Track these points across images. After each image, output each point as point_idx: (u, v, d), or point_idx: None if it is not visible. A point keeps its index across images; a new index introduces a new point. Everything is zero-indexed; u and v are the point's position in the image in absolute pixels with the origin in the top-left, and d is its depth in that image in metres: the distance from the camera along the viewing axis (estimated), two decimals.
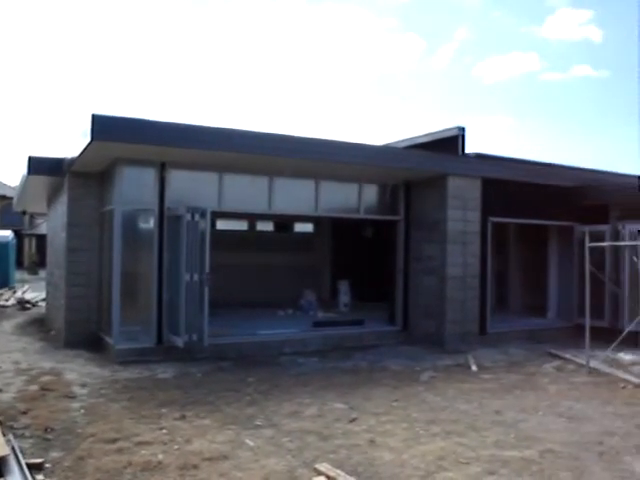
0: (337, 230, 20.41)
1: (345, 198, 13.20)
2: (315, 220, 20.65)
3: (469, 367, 10.50)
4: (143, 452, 5.92)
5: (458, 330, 12.48)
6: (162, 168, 10.92)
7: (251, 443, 6.28)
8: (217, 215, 17.69)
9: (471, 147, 13.40)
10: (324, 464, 5.59)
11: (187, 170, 11.35)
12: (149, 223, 10.96)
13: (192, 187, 11.54)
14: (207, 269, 10.55)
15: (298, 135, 11.20)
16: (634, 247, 12.47)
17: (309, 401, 8.00)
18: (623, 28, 48.92)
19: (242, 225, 20.11)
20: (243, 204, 12.21)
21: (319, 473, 5.41)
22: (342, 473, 5.35)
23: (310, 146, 11.19)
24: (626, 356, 11.00)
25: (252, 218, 19.89)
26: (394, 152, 13.31)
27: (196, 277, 10.46)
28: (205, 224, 10.61)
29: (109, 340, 10.82)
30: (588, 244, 10.80)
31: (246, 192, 12.02)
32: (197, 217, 10.48)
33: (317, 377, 9.52)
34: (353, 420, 7.18)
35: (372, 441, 6.42)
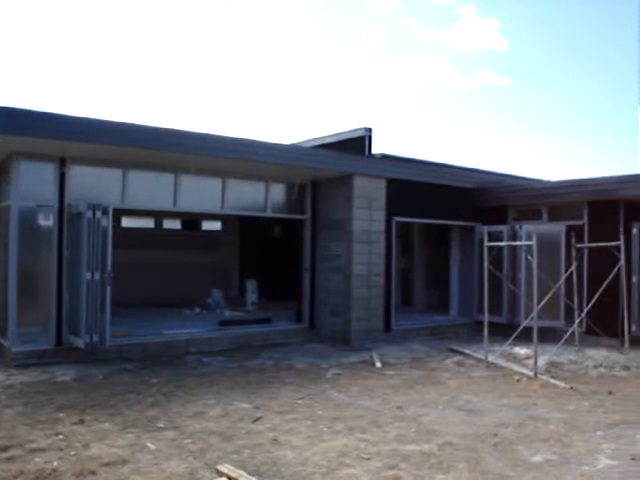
0: (246, 229, 20.32)
1: (252, 197, 13.14)
2: (223, 218, 20.46)
3: (374, 364, 10.69)
4: (37, 460, 5.69)
5: (364, 327, 12.69)
6: (62, 163, 10.50)
7: (152, 446, 6.16)
8: (122, 212, 17.29)
9: (379, 148, 13.71)
10: (226, 465, 5.55)
11: (89, 166, 10.96)
12: (49, 220, 10.52)
13: (95, 183, 11.15)
14: (109, 268, 10.26)
15: (203, 132, 11.04)
16: (530, 246, 13.04)
17: (214, 401, 7.92)
18: (526, 38, 50.92)
19: (148, 223, 19.67)
20: (148, 201, 11.95)
21: (221, 474, 5.37)
22: (244, 473, 5.33)
23: (217, 143, 11.06)
24: (521, 350, 11.48)
25: (159, 216, 19.49)
26: (301, 151, 13.37)
27: (97, 276, 10.15)
28: (107, 221, 10.32)
29: (5, 342, 10.33)
30: (486, 243, 11.24)
31: (151, 189, 11.75)
32: (99, 214, 10.17)
33: (222, 377, 9.44)
34: (257, 419, 7.16)
35: (276, 440, 6.42)
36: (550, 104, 52.20)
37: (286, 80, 55.42)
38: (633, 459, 6.06)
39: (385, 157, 14.37)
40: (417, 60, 53.81)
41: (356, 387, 8.94)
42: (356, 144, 13.63)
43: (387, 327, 13.16)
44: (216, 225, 21.23)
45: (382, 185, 13.05)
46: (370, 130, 13.67)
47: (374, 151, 13.96)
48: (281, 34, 53.01)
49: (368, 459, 5.88)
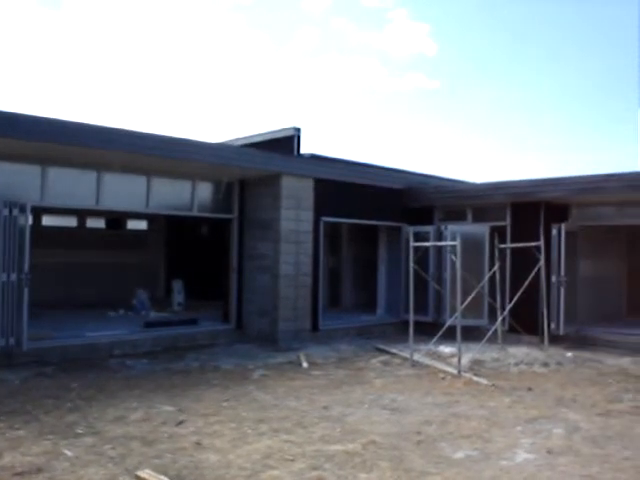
0: (173, 228, 19.98)
1: (178, 195, 12.90)
2: (149, 217, 20.05)
3: (300, 364, 10.67)
4: None
5: (291, 327, 12.66)
6: None
7: (70, 453, 5.94)
8: (43, 211, 16.71)
9: (309, 148, 13.71)
10: (146, 470, 5.40)
11: (6, 162, 10.52)
12: None
13: (12, 180, 10.69)
14: (27, 268, 9.87)
15: (126, 128, 10.75)
16: (454, 247, 13.30)
17: (136, 405, 7.72)
18: (455, 43, 52.03)
19: (71, 221, 19.06)
20: (69, 199, 11.55)
21: None
22: (165, 478, 5.20)
23: (140, 140, 10.79)
24: (446, 349, 11.69)
25: (82, 214, 18.92)
26: (228, 150, 13.22)
27: (14, 276, 9.76)
28: (25, 220, 9.92)
29: None
30: (412, 244, 11.39)
31: (72, 186, 11.37)
32: (16, 212, 9.78)
33: (146, 380, 9.22)
34: (180, 423, 7.02)
35: (199, 443, 6.31)
36: (478, 107, 53.53)
37: (215, 79, 54.91)
38: (549, 452, 6.25)
39: (314, 157, 14.38)
40: (349, 61, 54.25)
41: (282, 388, 8.89)
42: (285, 144, 13.58)
43: (315, 327, 13.17)
44: (142, 224, 20.78)
45: (310, 185, 13.05)
46: (299, 130, 13.65)
47: (303, 151, 13.96)
48: (209, 32, 52.46)
49: (292, 460, 5.85)
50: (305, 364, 10.63)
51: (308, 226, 13.01)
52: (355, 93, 55.53)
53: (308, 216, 13.00)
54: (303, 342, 12.50)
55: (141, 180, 12.09)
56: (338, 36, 52.41)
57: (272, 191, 12.72)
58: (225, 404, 7.91)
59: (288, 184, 12.65)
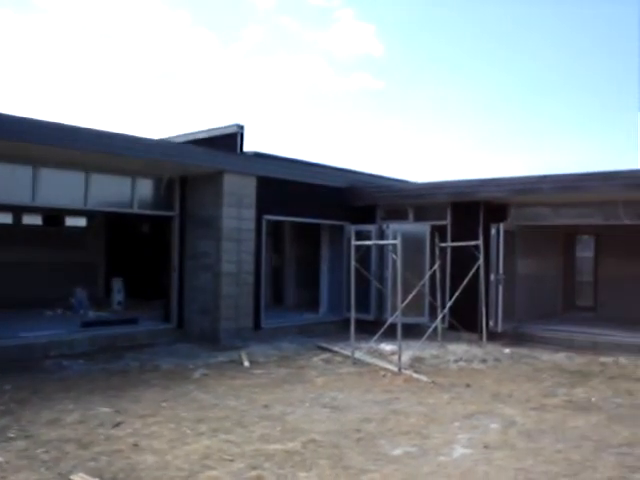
0: (113, 225, 19.55)
1: (118, 192, 12.63)
2: (89, 214, 19.57)
3: (242, 363, 10.60)
4: None
5: (233, 326, 12.57)
6: None
7: (0, 458, 5.75)
8: None
9: (254, 146, 13.62)
10: (80, 474, 5.28)
11: None
12: None
13: None
14: None
15: (60, 122, 10.44)
16: (395, 245, 13.44)
17: (72, 407, 7.54)
18: (401, 44, 52.50)
19: (5, 218, 18.43)
20: (3, 195, 11.14)
21: None
22: None
23: (74, 134, 10.50)
24: (387, 346, 11.78)
25: (18, 211, 18.33)
26: (167, 146, 13.00)
27: None
28: None
29: None
30: (354, 242, 11.46)
31: (6, 182, 10.99)
32: None
33: (83, 381, 9.01)
34: (118, 424, 6.88)
35: (136, 445, 6.19)
36: (422, 107, 54.22)
37: (160, 76, 54.10)
38: (485, 447, 6.37)
39: (257, 155, 14.30)
40: (295, 60, 54.21)
41: (223, 387, 8.82)
42: (228, 141, 13.43)
43: (257, 325, 13.11)
44: (81, 221, 20.25)
45: (253, 183, 12.97)
46: (242, 127, 13.53)
47: (247, 149, 13.84)
48: (152, 28, 51.63)
49: (231, 460, 5.80)
50: (246, 363, 10.57)
51: (250, 224, 12.93)
52: (301, 92, 55.61)
53: (250, 214, 12.92)
54: (245, 341, 12.42)
55: (79, 176, 11.79)
56: (284, 35, 52.37)
57: (214, 188, 12.58)
58: (164, 404, 7.79)
59: (230, 181, 12.54)
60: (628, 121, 49.76)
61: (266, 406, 7.82)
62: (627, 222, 12.77)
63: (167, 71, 53.75)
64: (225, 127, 13.61)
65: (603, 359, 11.45)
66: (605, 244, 17.12)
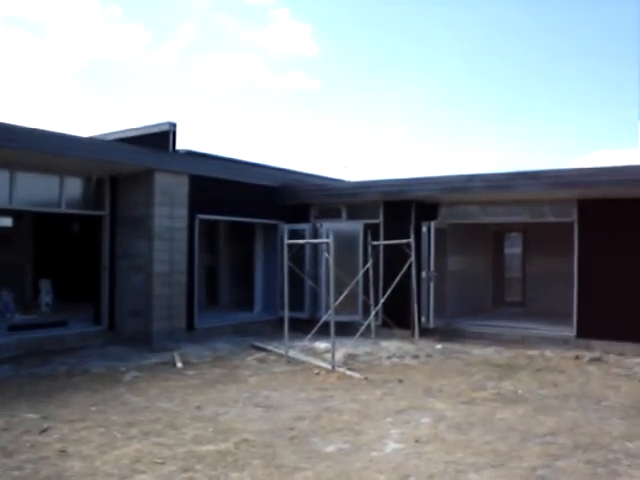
0: (41, 225, 18.93)
1: (45, 191, 12.23)
2: (15, 214, 18.90)
3: (175, 364, 10.45)
4: None
5: (166, 327, 12.39)
6: None
7: None
8: None
9: (187, 144, 13.45)
10: None
11: None
12: None
13: None
14: None
15: None
16: (328, 244, 13.52)
17: None
18: (336, 44, 52.69)
19: None
20: None
21: None
22: None
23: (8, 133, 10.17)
24: (321, 345, 11.83)
25: None
26: (97, 144, 12.66)
27: None
28: None
29: None
30: (286, 241, 11.47)
31: None
32: None
33: (8, 386, 8.70)
34: (44, 431, 6.68)
35: (63, 451, 6.02)
36: (357, 108, 54.62)
37: (93, 73, 52.74)
38: (417, 441, 6.48)
39: (190, 153, 14.13)
40: (231, 58, 53.74)
41: (155, 389, 8.67)
42: (160, 139, 13.19)
43: (190, 326, 12.96)
44: (6, 221, 19.52)
45: (185, 182, 12.80)
46: (175, 125, 13.31)
47: (180, 147, 13.65)
48: (85, 25, 50.30)
49: (163, 463, 5.72)
50: (179, 364, 10.44)
51: (183, 223, 12.76)
52: (236, 91, 55.15)
53: (183, 213, 12.75)
54: (178, 342, 12.25)
55: (3, 174, 11.38)
56: (220, 33, 51.84)
57: (145, 188, 12.35)
58: (93, 409, 7.61)
59: (162, 180, 12.34)
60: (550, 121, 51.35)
61: (199, 407, 7.74)
62: (552, 220, 13.23)
63: (98, 69, 52.49)
64: (157, 125, 13.37)
65: (530, 352, 11.83)
66: (532, 241, 17.73)
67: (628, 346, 11.67)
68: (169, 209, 12.45)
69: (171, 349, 11.65)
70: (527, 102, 52.91)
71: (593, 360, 11.05)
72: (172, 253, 12.50)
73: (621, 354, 11.50)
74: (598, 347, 11.92)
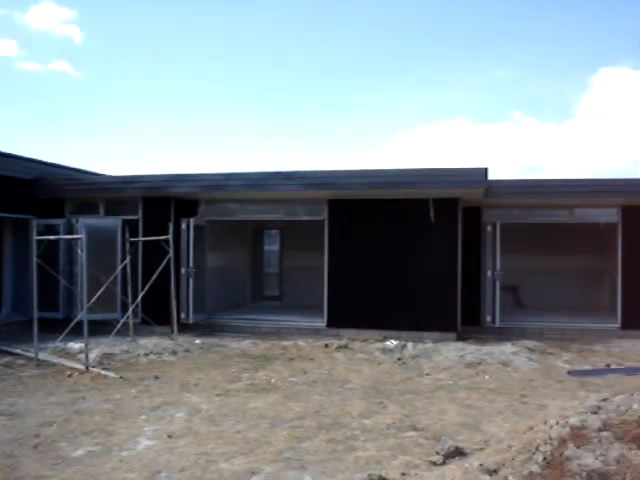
0: None
1: None
2: None
3: None
4: None
5: None
6: None
7: None
8: None
9: None
10: None
11: None
12: None
13: None
14: None
15: None
16: (81, 240, 13.03)
17: None
18: (102, 33, 49.87)
19: None
20: None
21: None
22: None
23: None
24: (76, 345, 11.35)
25: None
26: None
27: None
28: None
29: None
30: (35, 237, 10.87)
31: None
32: None
33: None
34: None
35: None
36: (122, 100, 52.56)
37: None
38: (170, 436, 6.60)
39: None
40: None
41: None
42: None
43: None
44: None
45: None
46: None
47: None
48: None
49: None
50: None
51: None
52: None
53: None
54: None
55: None
56: None
57: None
58: None
59: None
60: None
61: None
62: (305, 218, 14.06)
63: None
64: None
65: (285, 343, 12.47)
66: (289, 238, 18.66)
67: (371, 332, 12.84)
68: None
69: None
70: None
71: (340, 347, 11.96)
72: None
73: (365, 340, 12.59)
74: (347, 335, 12.94)
